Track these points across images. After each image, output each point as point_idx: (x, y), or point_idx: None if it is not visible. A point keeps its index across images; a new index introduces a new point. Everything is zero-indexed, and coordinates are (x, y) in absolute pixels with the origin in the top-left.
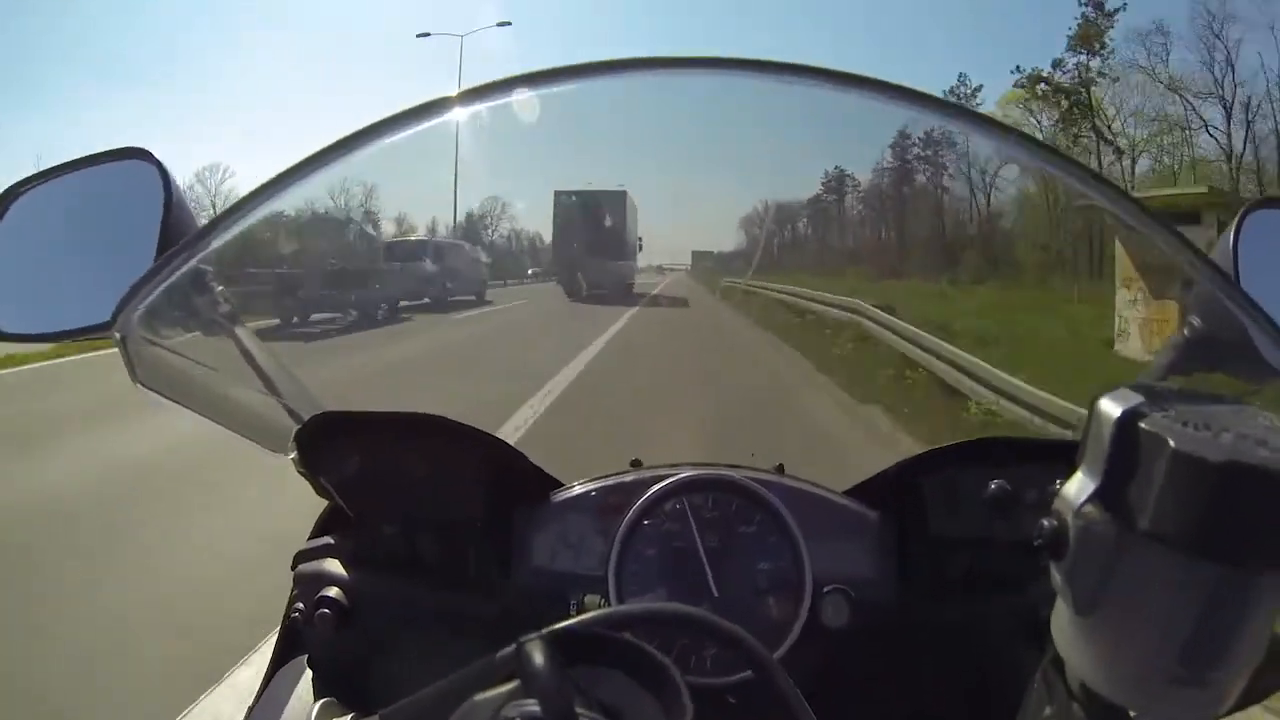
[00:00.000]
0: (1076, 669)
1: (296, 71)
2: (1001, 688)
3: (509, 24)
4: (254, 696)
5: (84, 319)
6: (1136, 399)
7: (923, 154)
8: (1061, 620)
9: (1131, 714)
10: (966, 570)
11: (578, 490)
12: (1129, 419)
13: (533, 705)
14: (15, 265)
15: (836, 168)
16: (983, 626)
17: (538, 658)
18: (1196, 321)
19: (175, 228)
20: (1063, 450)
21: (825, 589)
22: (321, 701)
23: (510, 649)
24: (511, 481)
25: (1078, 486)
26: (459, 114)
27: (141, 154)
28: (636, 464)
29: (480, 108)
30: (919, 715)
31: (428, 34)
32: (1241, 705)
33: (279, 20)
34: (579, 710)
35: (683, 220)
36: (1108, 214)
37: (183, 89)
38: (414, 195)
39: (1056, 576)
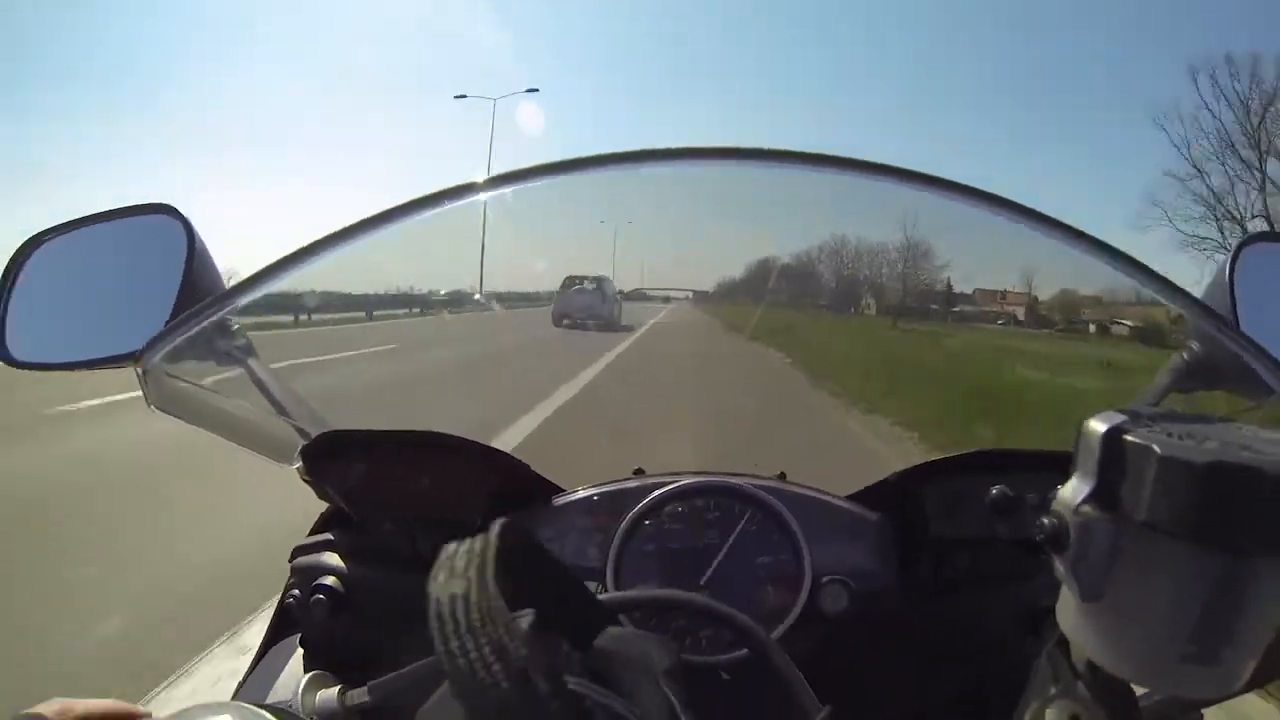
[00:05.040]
0: (1084, 649)
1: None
2: (1000, 676)
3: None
4: (245, 672)
5: (104, 351)
6: (1120, 418)
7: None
8: (1068, 604)
9: (1140, 691)
10: (967, 567)
11: (580, 495)
12: (1114, 434)
13: None
14: (40, 302)
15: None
16: (983, 618)
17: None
18: (1194, 345)
19: (198, 277)
20: (1059, 460)
21: (824, 579)
22: (311, 673)
23: None
24: (514, 489)
25: (1074, 489)
26: (485, 197)
27: (168, 210)
28: (640, 472)
29: (505, 191)
30: (919, 702)
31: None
32: (1253, 685)
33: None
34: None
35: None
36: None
37: None
38: (442, 268)
39: (1060, 568)
